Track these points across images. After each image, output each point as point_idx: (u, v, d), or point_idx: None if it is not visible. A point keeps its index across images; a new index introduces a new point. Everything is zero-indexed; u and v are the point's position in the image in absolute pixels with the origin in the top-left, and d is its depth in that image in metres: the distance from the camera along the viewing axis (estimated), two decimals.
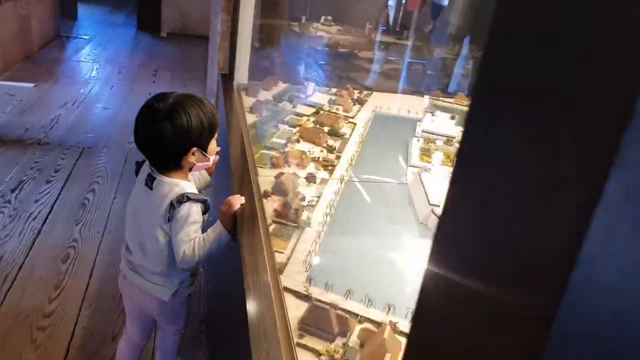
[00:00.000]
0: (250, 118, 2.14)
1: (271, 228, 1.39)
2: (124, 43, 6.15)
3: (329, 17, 3.77)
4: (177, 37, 6.41)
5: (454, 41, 4.22)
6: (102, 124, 3.86)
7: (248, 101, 2.31)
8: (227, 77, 2.63)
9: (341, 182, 1.67)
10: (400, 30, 4.25)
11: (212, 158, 1.38)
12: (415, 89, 2.75)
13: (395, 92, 2.81)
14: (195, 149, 1.29)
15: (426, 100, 2.56)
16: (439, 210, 1.54)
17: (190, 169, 1.37)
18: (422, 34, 4.30)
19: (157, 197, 1.30)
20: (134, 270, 1.41)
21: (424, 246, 1.44)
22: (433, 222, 1.54)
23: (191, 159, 1.30)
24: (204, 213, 1.36)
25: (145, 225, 1.35)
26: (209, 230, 1.36)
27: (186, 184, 1.33)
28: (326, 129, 2.06)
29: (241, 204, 1.38)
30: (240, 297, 1.14)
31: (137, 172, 1.39)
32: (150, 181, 1.31)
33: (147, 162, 1.36)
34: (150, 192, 1.31)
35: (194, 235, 1.32)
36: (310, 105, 2.33)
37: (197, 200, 1.31)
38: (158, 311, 1.48)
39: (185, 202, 1.27)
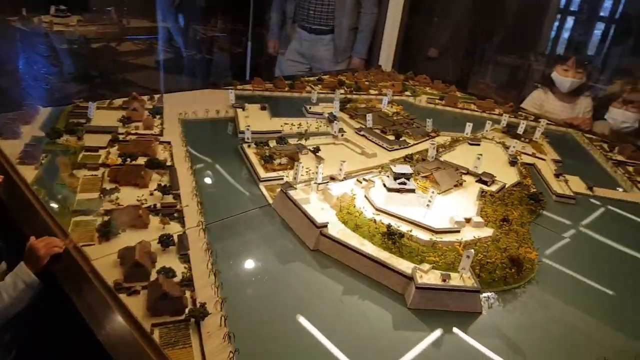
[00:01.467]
0: (29, 173, 1.53)
1: (156, 337, 1.01)
2: None
3: (62, 6, 3.01)
4: None
5: (211, 15, 3.92)
6: None
7: (10, 147, 1.65)
8: None
9: (204, 232, 1.33)
10: (150, 10, 3.72)
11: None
12: (212, 81, 2.42)
13: (186, 88, 2.43)
14: None
15: (231, 95, 2.29)
16: (327, 231, 1.37)
17: None
18: (173, 10, 3.87)
19: None
20: None
21: (331, 277, 1.27)
22: (324, 245, 1.37)
23: None
24: None
25: None
26: (7, 276, 1.10)
27: None
28: (142, 161, 1.62)
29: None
30: None
31: None
32: None
33: None
34: None
35: None
36: (101, 132, 1.81)
37: None
38: None
39: None
